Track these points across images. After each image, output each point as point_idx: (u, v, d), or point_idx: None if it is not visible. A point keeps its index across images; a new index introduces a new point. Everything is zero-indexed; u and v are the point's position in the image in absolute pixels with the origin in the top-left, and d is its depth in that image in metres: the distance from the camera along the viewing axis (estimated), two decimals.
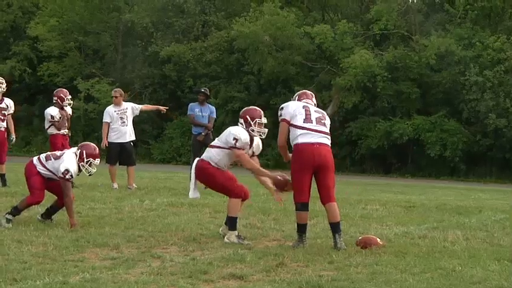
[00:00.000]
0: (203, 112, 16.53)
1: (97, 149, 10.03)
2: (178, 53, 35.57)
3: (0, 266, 7.00)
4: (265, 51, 33.88)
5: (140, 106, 16.22)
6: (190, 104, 16.95)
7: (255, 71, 34.57)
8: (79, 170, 9.81)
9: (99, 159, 9.96)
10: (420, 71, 32.43)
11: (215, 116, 16.80)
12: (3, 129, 14.97)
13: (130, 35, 38.23)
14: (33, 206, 10.11)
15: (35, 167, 9.90)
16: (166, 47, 35.59)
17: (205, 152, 9.33)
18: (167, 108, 16.77)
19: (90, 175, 10.07)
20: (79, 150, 9.84)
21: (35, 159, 10.03)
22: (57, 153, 10.11)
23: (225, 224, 9.23)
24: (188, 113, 16.86)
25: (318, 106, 9.24)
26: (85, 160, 9.78)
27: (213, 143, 9.36)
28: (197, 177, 9.24)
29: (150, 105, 16.61)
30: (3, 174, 14.96)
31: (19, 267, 6.97)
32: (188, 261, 7.63)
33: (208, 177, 9.21)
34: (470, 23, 33.42)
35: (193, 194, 9.31)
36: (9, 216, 9.65)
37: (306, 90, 9.47)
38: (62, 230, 9.14)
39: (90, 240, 8.51)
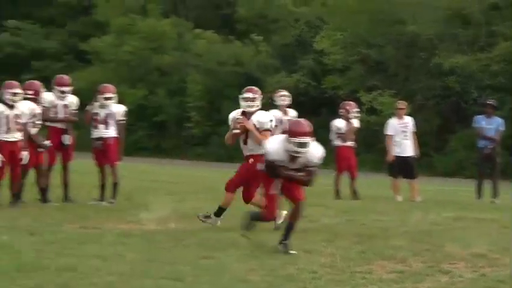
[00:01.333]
0: (490, 125, 16.12)
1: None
2: (462, 64, 34.90)
3: (292, 275, 7.21)
4: None
5: None
6: (477, 116, 16.60)
7: None
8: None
9: None
10: None
11: (503, 129, 16.30)
12: None
13: (413, 47, 38.08)
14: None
15: None
16: (450, 59, 35.05)
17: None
18: None
19: None
20: None
21: None
22: None
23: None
24: (474, 125, 16.52)
25: None
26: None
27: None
28: None
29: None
30: None
31: (309, 277, 7.13)
32: (478, 277, 7.43)
33: None
34: None
35: None
36: None
37: None
38: (348, 241, 9.24)
39: (376, 253, 8.52)
